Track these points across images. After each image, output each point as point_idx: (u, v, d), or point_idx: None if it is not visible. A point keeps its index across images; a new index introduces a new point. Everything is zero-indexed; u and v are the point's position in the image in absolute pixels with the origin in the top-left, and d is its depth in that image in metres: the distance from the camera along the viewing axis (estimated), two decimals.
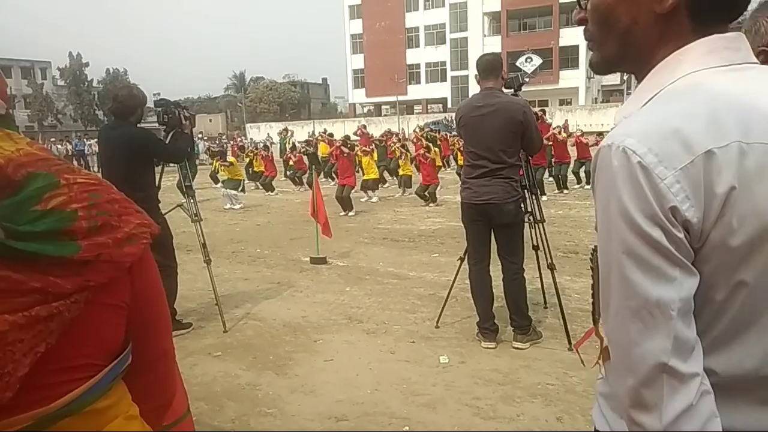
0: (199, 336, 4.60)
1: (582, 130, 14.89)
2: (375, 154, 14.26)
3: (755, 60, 0.90)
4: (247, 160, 17.59)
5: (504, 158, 3.98)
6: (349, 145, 12.49)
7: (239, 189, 12.98)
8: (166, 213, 4.62)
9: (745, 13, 1.00)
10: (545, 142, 12.58)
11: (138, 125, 4.49)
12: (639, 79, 0.95)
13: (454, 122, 4.43)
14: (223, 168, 13.51)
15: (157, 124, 4.64)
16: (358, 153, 13.00)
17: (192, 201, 4.79)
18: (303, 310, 5.16)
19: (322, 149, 16.25)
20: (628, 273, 0.81)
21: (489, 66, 4.08)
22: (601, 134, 14.70)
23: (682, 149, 0.78)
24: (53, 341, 0.79)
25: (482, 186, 4.03)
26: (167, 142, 4.48)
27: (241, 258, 7.59)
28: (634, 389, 0.81)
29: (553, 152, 12.96)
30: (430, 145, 14.27)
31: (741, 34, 0.90)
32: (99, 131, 4.99)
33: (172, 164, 4.85)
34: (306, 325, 4.78)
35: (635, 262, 0.80)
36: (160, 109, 4.54)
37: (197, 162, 20.67)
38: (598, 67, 1.01)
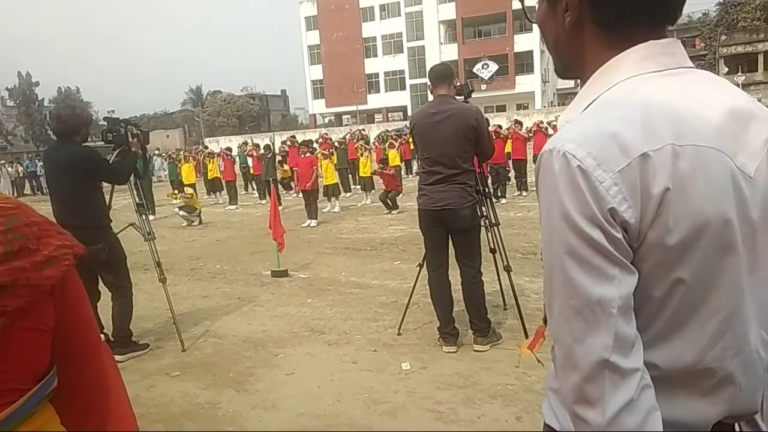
0: (156, 356, 4.49)
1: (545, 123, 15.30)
2: (335, 158, 14.28)
3: (690, 64, 0.93)
4: (207, 165, 17.25)
5: (459, 164, 4.03)
6: (310, 149, 12.51)
7: (195, 215, 12.71)
8: (118, 232, 4.52)
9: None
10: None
11: (84, 144, 4.38)
12: (582, 85, 0.99)
13: (409, 130, 4.46)
14: (182, 197, 13.24)
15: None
16: (318, 156, 12.96)
17: (144, 219, 4.69)
18: (264, 325, 5.09)
19: (283, 174, 16.19)
20: (570, 273, 0.83)
21: (441, 74, 4.14)
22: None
23: (619, 153, 0.81)
24: None
25: (438, 192, 4.07)
26: (112, 160, 4.37)
27: (200, 275, 7.46)
28: (577, 385, 0.83)
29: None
30: (387, 157, 14.44)
31: (676, 39, 0.93)
32: (44, 153, 4.86)
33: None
34: (267, 339, 4.72)
35: (577, 262, 0.82)
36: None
37: (154, 179, 20.29)
38: (558, 74, 1.09)
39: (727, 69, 43.96)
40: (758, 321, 0.91)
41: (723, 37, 45.98)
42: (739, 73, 40.25)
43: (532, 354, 1.88)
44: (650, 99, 0.85)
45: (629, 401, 0.80)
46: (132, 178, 4.55)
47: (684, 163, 0.81)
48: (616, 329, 0.81)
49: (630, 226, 0.81)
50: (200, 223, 12.54)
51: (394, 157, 15.46)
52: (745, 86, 38.91)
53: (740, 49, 44.37)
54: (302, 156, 12.12)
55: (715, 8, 49.75)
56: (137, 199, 4.70)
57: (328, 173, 12.88)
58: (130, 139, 4.40)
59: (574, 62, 0.99)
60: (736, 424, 0.99)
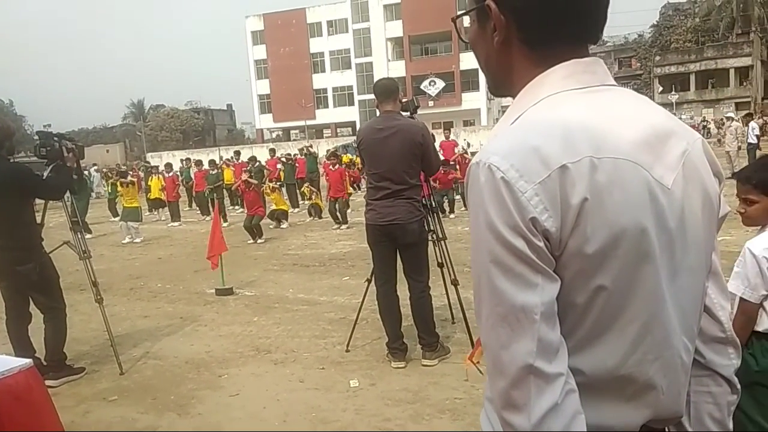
0: (92, 381, 4.29)
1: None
2: (282, 176, 14.08)
3: (612, 82, 0.97)
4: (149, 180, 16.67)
5: (406, 179, 4.04)
6: (253, 176, 12.19)
7: (138, 219, 12.33)
8: (51, 251, 4.31)
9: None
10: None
11: (12, 159, 4.15)
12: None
13: (356, 145, 4.45)
14: (122, 186, 12.73)
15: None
16: (266, 189, 12.72)
17: (80, 237, 4.49)
18: (207, 345, 4.94)
19: (227, 176, 15.87)
20: (495, 281, 0.84)
21: (386, 90, 4.16)
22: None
23: (540, 165, 0.83)
24: None
25: (386, 207, 4.07)
26: (46, 176, 4.16)
27: (141, 294, 7.19)
28: (504, 391, 0.84)
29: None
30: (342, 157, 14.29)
31: (598, 58, 0.97)
32: None
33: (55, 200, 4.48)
34: (210, 360, 4.58)
35: (501, 270, 0.83)
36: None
37: (92, 195, 19.52)
38: (491, 91, 1.12)
39: (661, 88, 46.22)
40: (680, 327, 0.94)
41: (657, 58, 48.43)
42: (673, 92, 42.38)
43: (473, 365, 1.87)
44: (571, 114, 0.88)
45: (554, 405, 0.81)
46: (67, 194, 4.35)
47: (601, 175, 0.84)
48: (539, 335, 0.82)
49: (551, 235, 0.83)
50: (141, 219, 12.23)
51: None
52: (678, 104, 41.04)
53: (673, 69, 46.82)
54: (249, 188, 11.64)
55: (649, 30, 52.64)
56: (72, 217, 4.50)
57: (279, 202, 12.86)
58: (65, 154, 4.20)
59: (505, 80, 1.02)
60: (666, 428, 1.02)
